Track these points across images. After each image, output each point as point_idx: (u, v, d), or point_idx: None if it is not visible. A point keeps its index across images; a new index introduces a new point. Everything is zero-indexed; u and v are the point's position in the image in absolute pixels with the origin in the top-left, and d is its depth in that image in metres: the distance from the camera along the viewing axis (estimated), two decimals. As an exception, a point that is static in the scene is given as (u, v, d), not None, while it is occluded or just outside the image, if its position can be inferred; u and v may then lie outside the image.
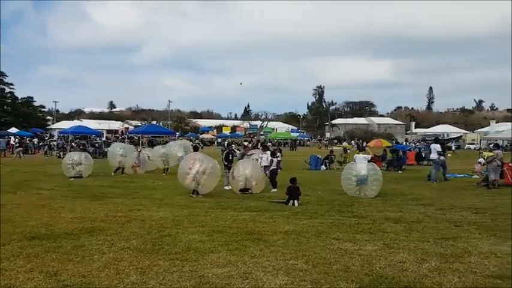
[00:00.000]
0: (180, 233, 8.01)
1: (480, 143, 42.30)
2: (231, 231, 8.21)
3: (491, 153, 16.18)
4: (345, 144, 56.00)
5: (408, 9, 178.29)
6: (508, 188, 15.44)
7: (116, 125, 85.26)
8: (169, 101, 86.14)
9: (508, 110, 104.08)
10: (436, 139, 19.64)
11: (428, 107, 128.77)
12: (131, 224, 8.85)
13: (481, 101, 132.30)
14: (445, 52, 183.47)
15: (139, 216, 9.76)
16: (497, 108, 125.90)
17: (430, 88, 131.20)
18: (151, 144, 49.25)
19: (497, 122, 79.92)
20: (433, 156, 18.51)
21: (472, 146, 58.93)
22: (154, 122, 74.77)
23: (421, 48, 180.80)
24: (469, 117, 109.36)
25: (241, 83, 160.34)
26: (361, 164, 14.33)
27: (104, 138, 52.58)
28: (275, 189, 14.72)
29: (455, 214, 10.38)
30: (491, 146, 20.57)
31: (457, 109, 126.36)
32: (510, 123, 61.54)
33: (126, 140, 44.47)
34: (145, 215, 10.00)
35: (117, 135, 68.29)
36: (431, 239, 7.66)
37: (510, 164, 16.78)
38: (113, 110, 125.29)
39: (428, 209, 11.10)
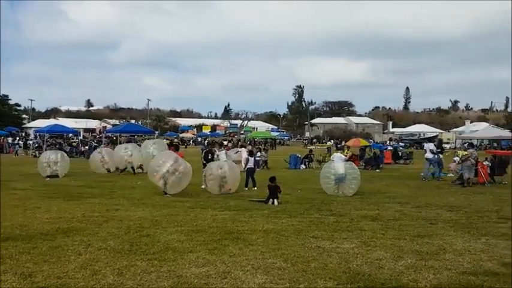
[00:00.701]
0: (158, 233, 7.95)
1: (455, 142, 43.37)
2: (210, 231, 8.19)
3: (466, 152, 16.57)
4: (329, 143, 56.47)
5: (385, 11, 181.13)
6: (482, 186, 15.87)
7: (93, 123, 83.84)
8: (149, 100, 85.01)
9: (483, 110, 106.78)
10: (430, 138, 20.13)
11: (405, 107, 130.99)
12: (108, 224, 8.73)
13: (456, 101, 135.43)
14: (421, 53, 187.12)
15: (117, 216, 9.63)
16: (472, 108, 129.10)
17: (407, 88, 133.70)
18: (130, 143, 48.73)
19: (471, 122, 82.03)
20: (428, 155, 18.87)
21: (447, 145, 60.23)
22: (133, 121, 73.89)
23: (398, 49, 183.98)
24: (445, 117, 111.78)
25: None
26: (339, 163, 14.49)
27: (80, 137, 51.67)
28: (255, 188, 14.81)
29: (430, 212, 10.60)
30: (465, 145, 21.07)
31: (433, 109, 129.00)
32: (484, 122, 63.26)
33: (103, 139, 43.87)
34: (123, 215, 9.88)
35: (95, 134, 67.21)
36: (408, 237, 7.81)
37: (484, 163, 17.23)
38: (91, 108, 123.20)
39: (405, 207, 11.31)
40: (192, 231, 8.10)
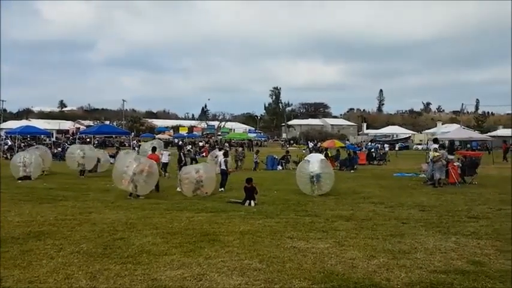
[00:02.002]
0: (132, 236, 7.86)
1: (427, 143, 44.34)
2: (186, 233, 8.15)
3: (437, 154, 16.98)
4: (311, 145, 56.98)
5: (358, 15, 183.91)
6: (452, 186, 16.30)
7: (66, 124, 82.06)
8: (124, 101, 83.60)
9: (454, 112, 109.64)
10: (435, 139, 20.48)
11: (379, 109, 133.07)
12: (81, 228, 8.58)
13: (428, 104, 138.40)
14: (394, 56, 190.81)
15: (90, 219, 9.48)
16: (443, 110, 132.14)
17: (381, 91, 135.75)
18: (104, 145, 47.95)
19: (443, 124, 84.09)
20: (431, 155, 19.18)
21: (419, 146, 61.61)
22: (107, 122, 72.61)
23: (371, 52, 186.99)
24: (417, 119, 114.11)
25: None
26: (314, 163, 14.68)
27: (53, 139, 50.51)
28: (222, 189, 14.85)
29: (403, 212, 10.83)
30: (437, 146, 21.57)
31: (406, 111, 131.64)
32: (455, 124, 65.01)
33: (77, 141, 42.99)
34: (96, 217, 9.73)
35: (68, 135, 65.81)
36: (380, 236, 7.97)
37: (455, 164, 17.70)
38: (64, 109, 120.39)
39: (378, 207, 11.53)
40: (168, 234, 8.05)
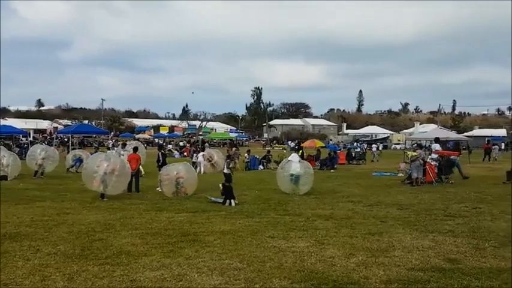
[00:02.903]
0: (111, 237, 7.78)
1: (405, 143, 45.12)
2: (166, 233, 8.10)
3: (415, 153, 17.27)
4: (292, 144, 57.30)
5: (339, 16, 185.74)
6: (429, 185, 16.60)
7: (44, 124, 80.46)
8: (103, 100, 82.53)
9: (431, 113, 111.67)
10: (437, 139, 20.71)
11: (359, 109, 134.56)
12: (59, 229, 8.45)
13: (406, 104, 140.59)
14: (373, 58, 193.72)
15: (68, 220, 9.33)
16: (421, 111, 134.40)
17: (360, 91, 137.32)
18: (83, 144, 47.14)
19: (421, 124, 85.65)
20: (433, 155, 19.39)
21: (398, 146, 62.62)
22: (86, 121, 71.44)
23: (351, 53, 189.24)
24: (396, 119, 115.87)
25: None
26: (295, 163, 14.77)
27: (30, 138, 49.42)
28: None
29: (381, 210, 10.99)
30: (415, 146, 21.94)
31: (385, 111, 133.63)
32: (433, 124, 66.29)
33: (54, 140, 42.18)
34: (74, 218, 9.58)
35: (45, 135, 64.49)
36: (359, 235, 8.08)
37: (432, 163, 18.02)
38: (41, 108, 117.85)
39: (357, 206, 11.67)
40: (147, 234, 7.98)
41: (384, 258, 6.54)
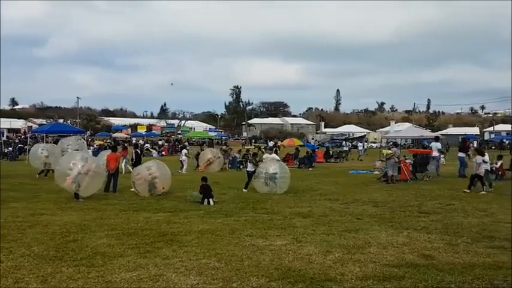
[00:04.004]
0: (86, 238, 7.66)
1: (381, 141, 45.86)
2: (143, 234, 8.02)
3: (390, 151, 17.57)
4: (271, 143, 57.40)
5: (316, 15, 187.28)
6: (404, 182, 16.92)
7: (18, 123, 78.36)
8: (78, 98, 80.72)
9: (406, 112, 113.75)
10: (436, 138, 20.96)
11: (336, 108, 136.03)
12: (33, 230, 8.28)
13: (382, 103, 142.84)
14: (350, 57, 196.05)
15: (42, 221, 9.15)
16: (396, 110, 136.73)
17: (337, 90, 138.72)
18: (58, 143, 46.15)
19: (396, 123, 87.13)
20: (434, 154, 19.64)
21: (374, 145, 63.52)
22: (61, 120, 69.92)
23: (328, 53, 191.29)
24: (372, 118, 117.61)
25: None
26: (271, 163, 14.79)
27: (4, 138, 48.13)
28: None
29: (357, 208, 11.15)
30: (390, 144, 22.33)
31: (362, 110, 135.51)
32: (408, 123, 67.55)
33: (28, 140, 41.18)
34: (48, 219, 9.39)
35: (20, 134, 62.87)
36: (336, 232, 8.18)
37: (406, 161, 18.38)
38: (15, 107, 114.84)
39: (334, 204, 11.82)
40: (124, 235, 7.88)
41: (360, 254, 6.64)
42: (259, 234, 8.02)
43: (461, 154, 19.54)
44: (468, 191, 13.79)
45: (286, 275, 5.66)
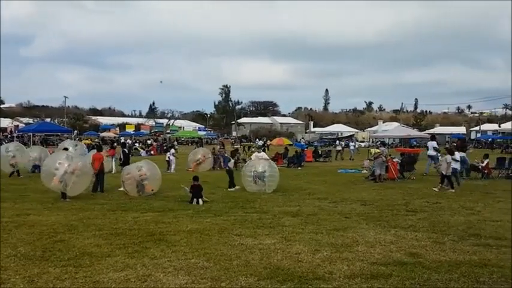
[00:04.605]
0: (74, 238, 7.59)
1: (369, 140, 46.20)
2: (131, 233, 7.97)
3: (378, 150, 17.72)
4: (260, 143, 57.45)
5: (304, 16, 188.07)
6: (392, 181, 17.07)
7: (4, 122, 77.18)
8: (65, 97, 79.78)
9: (394, 111, 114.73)
10: (433, 137, 21.05)
11: (325, 108, 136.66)
12: (19, 230, 8.18)
13: (370, 103, 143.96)
14: (339, 57, 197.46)
15: (29, 222, 9.04)
16: (384, 109, 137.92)
17: (326, 90, 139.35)
18: (45, 143, 45.63)
19: (384, 122, 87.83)
20: (431, 152, 19.77)
21: (362, 144, 63.94)
22: (48, 120, 69.10)
23: (317, 53, 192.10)
24: (360, 117, 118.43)
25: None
26: (260, 162, 14.82)
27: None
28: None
29: (346, 206, 11.23)
30: (378, 143, 22.52)
31: (350, 110, 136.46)
32: (395, 122, 68.16)
33: (15, 139, 40.65)
34: (35, 219, 9.28)
35: (6, 133, 62.00)
36: (324, 231, 8.22)
37: (394, 160, 18.55)
38: (1, 106, 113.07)
39: (323, 203, 11.88)
40: (111, 235, 7.83)
41: (348, 253, 6.69)
42: (248, 233, 8.03)
43: (460, 154, 19.69)
44: (437, 189, 14.06)
45: (275, 274, 5.68)
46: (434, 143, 20.28)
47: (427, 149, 20.57)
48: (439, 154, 19.81)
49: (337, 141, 46.74)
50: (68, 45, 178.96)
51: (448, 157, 14.45)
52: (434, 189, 14.13)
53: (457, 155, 15.45)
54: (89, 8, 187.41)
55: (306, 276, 5.59)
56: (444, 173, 14.30)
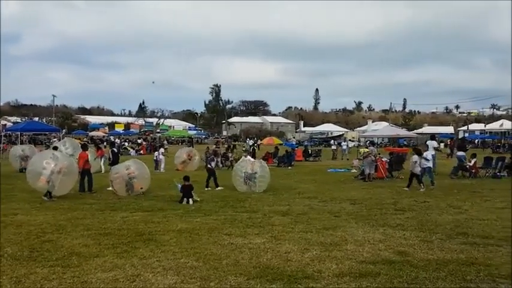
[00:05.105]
0: (62, 238, 7.53)
1: (359, 140, 46.51)
2: (120, 233, 7.92)
3: (367, 150, 17.83)
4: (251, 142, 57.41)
5: (294, 16, 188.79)
6: (381, 180, 17.20)
7: (-9, 121, 76.14)
8: (54, 96, 78.99)
9: (383, 111, 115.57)
10: (433, 136, 21.15)
11: (315, 107, 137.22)
12: (6, 230, 8.09)
13: (360, 103, 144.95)
14: (329, 57, 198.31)
15: (16, 221, 8.95)
16: (374, 109, 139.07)
17: (316, 90, 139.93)
18: (33, 142, 45.13)
19: (373, 122, 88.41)
20: (431, 152, 19.79)
21: (352, 143, 64.22)
22: (36, 119, 68.36)
23: (307, 52, 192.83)
24: (350, 117, 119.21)
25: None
26: (250, 162, 14.84)
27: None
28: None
29: (335, 205, 11.29)
30: (367, 143, 22.67)
31: (340, 109, 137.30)
32: (384, 122, 68.65)
33: (2, 139, 40.10)
34: (22, 219, 9.19)
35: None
36: (314, 229, 8.25)
37: (383, 159, 18.69)
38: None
39: (313, 202, 11.92)
40: (100, 235, 7.77)
41: (337, 252, 6.72)
42: (238, 232, 8.02)
43: (460, 153, 19.95)
44: (407, 189, 14.27)
45: (265, 273, 5.69)
46: (434, 143, 20.47)
47: (427, 149, 20.76)
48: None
49: (332, 141, 47.01)
50: (56, 44, 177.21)
51: (415, 157, 14.68)
52: (405, 188, 14.33)
53: (429, 154, 15.73)
54: (77, 7, 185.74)
55: (295, 275, 5.61)
56: (412, 171, 14.49)
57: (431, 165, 15.45)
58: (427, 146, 20.05)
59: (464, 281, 5.46)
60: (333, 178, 18.79)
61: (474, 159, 18.64)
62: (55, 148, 17.29)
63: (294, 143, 53.06)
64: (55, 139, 33.55)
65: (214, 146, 29.44)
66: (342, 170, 22.41)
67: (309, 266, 6.02)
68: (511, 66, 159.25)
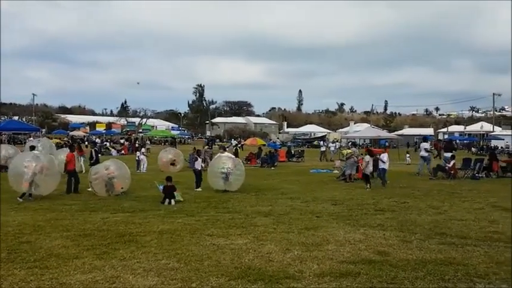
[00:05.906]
0: (40, 239, 7.40)
1: (341, 141, 46.93)
2: (100, 235, 7.82)
3: (349, 151, 18.01)
4: (234, 142, 57.30)
5: (280, 16, 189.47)
6: (362, 181, 17.32)
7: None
8: (34, 95, 77.69)
9: (365, 113, 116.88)
10: (424, 138, 21.35)
11: (298, 108, 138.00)
12: (-18, 232, 7.88)
13: (342, 104, 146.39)
14: (312, 58, 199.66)
15: (-7, 223, 8.72)
16: (356, 111, 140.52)
17: (300, 91, 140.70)
18: (13, 142, 44.21)
19: (355, 123, 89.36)
20: (423, 153, 20.08)
21: (333, 145, 64.70)
22: (16, 118, 66.96)
23: (291, 53, 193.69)
24: (332, 118, 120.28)
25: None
26: (225, 161, 14.79)
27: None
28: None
29: (317, 206, 11.36)
30: (349, 144, 22.90)
31: (323, 111, 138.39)
32: (366, 123, 69.38)
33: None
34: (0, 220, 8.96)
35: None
36: (296, 230, 8.29)
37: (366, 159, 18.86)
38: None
39: (295, 202, 11.98)
40: (79, 236, 7.67)
41: (318, 252, 6.76)
42: (220, 233, 8.01)
43: (447, 154, 20.32)
44: (368, 188, 14.72)
45: (246, 273, 5.69)
46: (426, 145, 20.80)
47: (420, 150, 21.11)
48: (429, 155, 20.24)
49: (322, 142, 47.19)
50: (36, 41, 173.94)
51: (367, 157, 15.10)
52: (366, 188, 14.75)
53: (385, 156, 16.17)
54: (59, 4, 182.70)
55: (276, 276, 5.62)
56: (364, 171, 15.13)
57: (386, 167, 16.02)
58: (420, 148, 20.54)
59: (442, 281, 5.55)
60: (316, 179, 18.92)
61: (453, 161, 18.98)
62: (32, 148, 16.98)
63: (278, 143, 53.29)
64: (31, 138, 32.96)
65: (207, 146, 29.20)
66: (324, 171, 22.58)
67: (290, 266, 6.05)
68: (511, 68, 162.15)
